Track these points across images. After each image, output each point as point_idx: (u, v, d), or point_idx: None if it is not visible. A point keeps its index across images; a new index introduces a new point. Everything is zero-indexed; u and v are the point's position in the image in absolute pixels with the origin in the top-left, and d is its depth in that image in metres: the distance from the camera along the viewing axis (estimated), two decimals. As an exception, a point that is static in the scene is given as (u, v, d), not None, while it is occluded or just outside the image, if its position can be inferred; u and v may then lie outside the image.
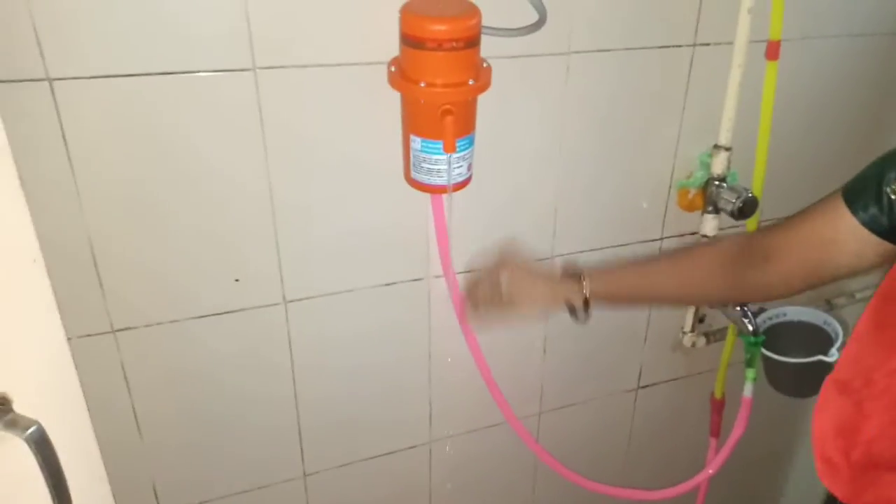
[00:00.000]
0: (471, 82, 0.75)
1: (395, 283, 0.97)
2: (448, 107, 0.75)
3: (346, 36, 0.79)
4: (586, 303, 0.84)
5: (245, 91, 0.77)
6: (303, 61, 0.78)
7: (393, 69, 0.78)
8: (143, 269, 0.82)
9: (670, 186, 1.09)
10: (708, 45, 0.99)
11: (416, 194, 0.85)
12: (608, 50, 0.93)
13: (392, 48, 0.79)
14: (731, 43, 0.98)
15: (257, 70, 0.77)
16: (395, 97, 0.81)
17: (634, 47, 0.95)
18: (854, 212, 0.66)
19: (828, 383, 0.67)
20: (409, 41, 0.74)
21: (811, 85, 1.09)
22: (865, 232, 0.65)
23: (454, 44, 0.72)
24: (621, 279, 0.87)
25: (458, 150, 0.79)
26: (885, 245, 0.65)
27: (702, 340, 1.18)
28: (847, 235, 0.67)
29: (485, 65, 0.80)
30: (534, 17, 0.81)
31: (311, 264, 0.91)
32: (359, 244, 0.93)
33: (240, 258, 0.87)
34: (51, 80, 0.69)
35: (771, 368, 1.14)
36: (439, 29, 0.71)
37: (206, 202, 0.82)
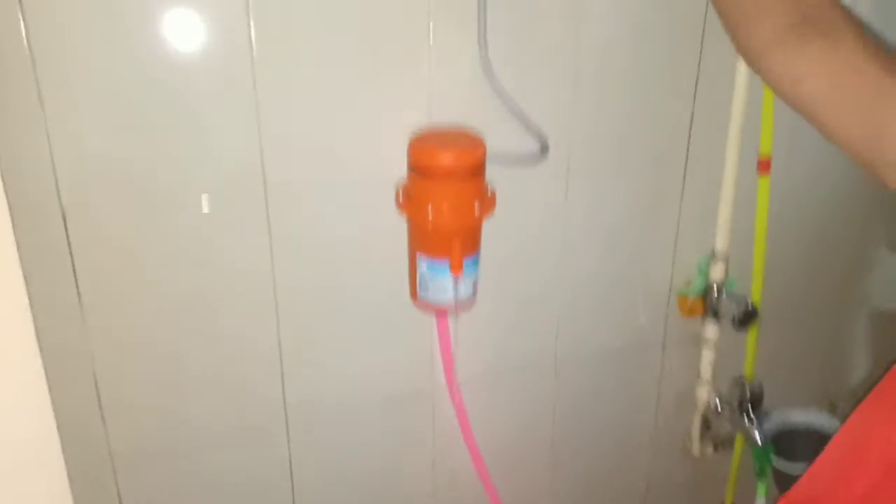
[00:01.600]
0: (476, 207, 0.78)
1: (399, 396, 0.97)
2: (455, 231, 0.77)
3: (355, 158, 0.82)
4: None
5: (255, 210, 0.80)
6: (313, 175, 0.81)
7: (401, 194, 0.81)
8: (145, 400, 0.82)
9: (670, 292, 1.10)
10: (700, 159, 1.03)
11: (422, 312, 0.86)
12: (605, 168, 0.97)
13: (398, 167, 0.82)
14: (722, 155, 1.02)
15: (268, 190, 0.79)
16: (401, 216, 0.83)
17: (629, 163, 0.98)
18: None
19: None
20: (418, 170, 0.77)
21: (805, 194, 1.12)
22: None
23: (461, 174, 0.75)
24: None
25: (464, 270, 0.80)
26: None
27: (710, 449, 1.16)
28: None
29: (489, 189, 0.83)
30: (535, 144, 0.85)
31: (315, 378, 0.90)
32: (363, 357, 0.92)
33: (243, 376, 0.86)
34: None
35: (781, 479, 1.12)
36: (447, 161, 0.74)
37: (215, 340, 0.83)
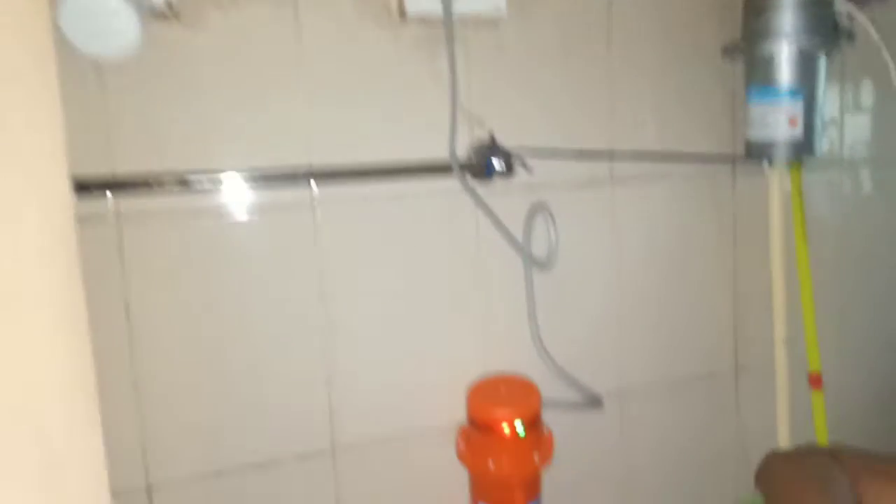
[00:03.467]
0: (536, 458, 0.81)
1: None
2: (516, 483, 0.80)
3: (415, 406, 0.87)
4: None
5: (323, 471, 0.84)
6: (379, 433, 0.86)
7: (461, 445, 0.85)
8: None
9: (737, 505, 1.08)
10: (749, 369, 1.05)
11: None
12: (657, 395, 1.00)
13: (458, 411, 0.87)
14: (772, 364, 1.04)
15: (336, 450, 0.84)
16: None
17: (679, 386, 1.01)
18: None
19: None
20: (477, 424, 0.81)
21: (861, 404, 1.12)
22: None
23: (520, 428, 0.79)
24: None
25: (526, 516, 0.82)
26: None
27: None
28: None
29: (546, 432, 0.87)
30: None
31: None
32: None
33: None
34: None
35: None
36: (504, 417, 0.79)
37: None
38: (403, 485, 0.87)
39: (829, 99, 1.06)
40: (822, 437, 1.04)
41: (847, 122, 1.10)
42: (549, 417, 0.88)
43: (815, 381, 1.02)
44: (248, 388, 0.80)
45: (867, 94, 1.12)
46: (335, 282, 0.82)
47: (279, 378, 0.81)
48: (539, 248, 0.88)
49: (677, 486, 1.04)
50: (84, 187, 0.68)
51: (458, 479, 0.89)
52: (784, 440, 1.05)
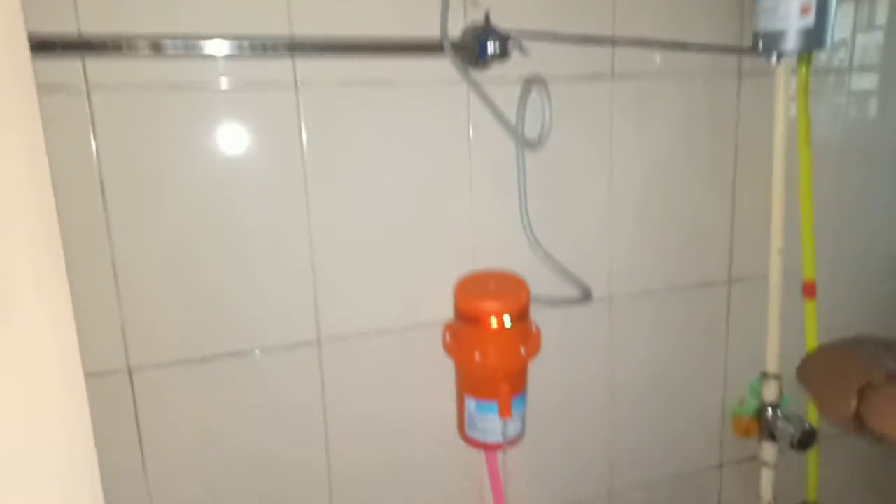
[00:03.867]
0: (522, 351, 0.80)
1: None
2: (503, 376, 0.79)
3: (402, 301, 0.86)
4: None
5: (309, 362, 0.83)
6: (365, 326, 0.85)
7: (448, 337, 0.83)
8: None
9: (724, 414, 1.08)
10: (742, 280, 1.04)
11: (470, 448, 0.87)
12: (648, 300, 0.99)
13: (445, 307, 0.85)
14: (765, 276, 1.02)
15: (322, 342, 0.83)
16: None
17: (671, 292, 1.00)
18: None
19: None
20: (464, 317, 0.79)
21: (854, 312, 1.11)
22: None
23: (507, 320, 0.78)
24: None
25: (512, 409, 0.81)
26: None
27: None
28: None
29: (534, 326, 0.85)
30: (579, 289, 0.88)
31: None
32: (416, 500, 0.92)
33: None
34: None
35: None
36: (492, 309, 0.77)
37: (268, 483, 0.85)
38: (389, 377, 0.87)
39: (840, 17, 1.01)
40: (813, 346, 1.03)
41: (858, 40, 1.05)
42: (539, 318, 0.86)
43: (809, 289, 1.01)
44: (230, 274, 0.78)
45: (882, 12, 1.07)
46: (319, 169, 0.78)
47: (262, 266, 0.79)
48: (532, 133, 0.84)
49: (663, 391, 1.03)
50: (46, 46, 0.63)
51: (444, 373, 0.88)
52: (773, 350, 1.04)
